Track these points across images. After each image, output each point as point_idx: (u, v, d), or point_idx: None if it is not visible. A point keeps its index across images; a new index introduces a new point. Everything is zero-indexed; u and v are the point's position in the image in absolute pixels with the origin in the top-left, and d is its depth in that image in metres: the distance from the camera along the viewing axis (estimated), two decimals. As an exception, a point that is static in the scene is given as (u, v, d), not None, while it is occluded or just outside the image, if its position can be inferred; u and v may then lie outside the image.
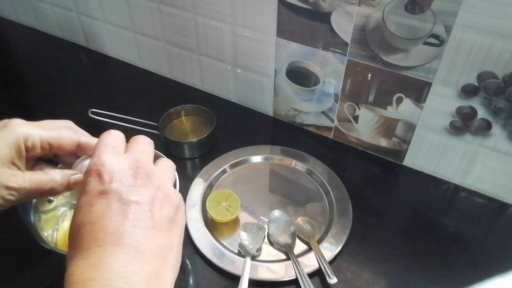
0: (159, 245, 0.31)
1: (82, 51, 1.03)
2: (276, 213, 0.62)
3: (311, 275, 0.55)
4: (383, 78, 0.64)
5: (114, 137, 0.36)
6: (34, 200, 0.51)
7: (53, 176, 0.39)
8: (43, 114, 0.84)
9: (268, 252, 0.59)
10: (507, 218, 0.64)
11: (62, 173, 0.40)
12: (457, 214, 0.65)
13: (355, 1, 0.59)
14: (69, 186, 0.40)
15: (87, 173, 0.32)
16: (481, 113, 0.59)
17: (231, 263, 0.56)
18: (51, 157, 0.44)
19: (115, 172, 0.32)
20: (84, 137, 0.42)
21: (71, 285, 0.28)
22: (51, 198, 0.54)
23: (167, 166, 0.38)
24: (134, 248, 0.29)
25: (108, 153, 0.33)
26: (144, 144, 0.37)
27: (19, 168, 0.38)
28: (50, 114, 0.81)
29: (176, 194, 0.35)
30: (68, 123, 0.43)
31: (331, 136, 0.77)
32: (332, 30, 0.64)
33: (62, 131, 0.40)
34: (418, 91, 0.62)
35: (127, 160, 0.33)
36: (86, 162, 0.41)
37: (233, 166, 0.71)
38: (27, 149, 0.38)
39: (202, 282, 0.56)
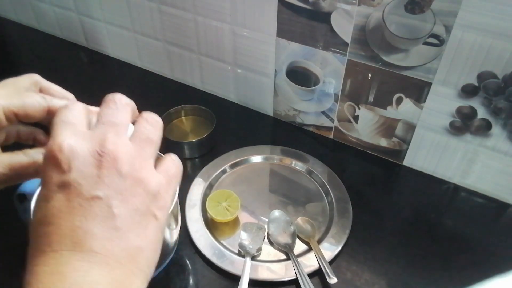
0: (125, 248, 0.27)
1: (82, 51, 1.03)
2: (276, 213, 0.62)
3: (311, 275, 0.55)
4: (383, 78, 0.64)
5: (73, 111, 0.30)
6: (34, 200, 0.51)
7: (35, 157, 0.34)
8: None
9: (268, 252, 0.59)
10: (507, 218, 0.64)
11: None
12: (457, 214, 0.65)
13: (355, 1, 0.59)
14: None
15: (44, 160, 0.27)
16: (481, 113, 0.59)
17: (231, 263, 0.56)
18: None
19: (74, 158, 0.27)
20: (56, 100, 0.36)
21: None
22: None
23: (146, 130, 0.31)
24: (94, 254, 0.25)
25: (67, 133, 0.28)
26: (117, 110, 0.30)
27: None
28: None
29: (153, 177, 0.29)
30: (34, 77, 0.37)
31: (331, 136, 0.77)
32: (332, 30, 0.64)
33: (26, 97, 0.35)
34: (418, 91, 0.62)
35: (90, 142, 0.28)
36: None
37: (233, 166, 0.71)
38: None
39: (202, 282, 0.56)
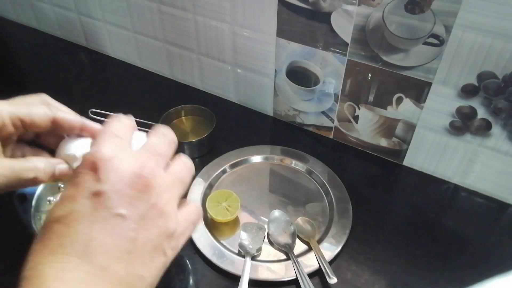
0: (129, 273, 0.27)
1: (82, 51, 1.03)
2: (276, 213, 0.62)
3: (311, 275, 0.55)
4: (383, 78, 0.64)
5: (122, 124, 0.32)
6: (34, 200, 0.51)
7: (36, 164, 0.34)
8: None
9: (268, 252, 0.59)
10: (507, 218, 0.64)
11: (46, 161, 0.35)
12: (457, 214, 0.65)
13: (355, 1, 0.59)
14: (54, 177, 0.36)
15: (83, 162, 0.28)
16: (481, 113, 0.59)
17: (231, 263, 0.56)
18: (32, 138, 0.39)
19: (113, 171, 0.28)
20: (61, 112, 0.37)
21: None
22: (51, 198, 0.55)
23: (181, 171, 0.32)
24: (101, 270, 0.26)
25: (112, 145, 0.29)
26: (163, 143, 0.32)
27: None
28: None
29: (175, 216, 0.30)
30: (42, 96, 0.39)
31: (331, 136, 0.77)
32: (332, 30, 0.64)
33: (33, 106, 0.36)
34: (418, 91, 0.62)
35: (132, 162, 0.29)
36: (71, 145, 0.37)
37: (233, 166, 0.71)
38: None
39: (202, 282, 0.56)
